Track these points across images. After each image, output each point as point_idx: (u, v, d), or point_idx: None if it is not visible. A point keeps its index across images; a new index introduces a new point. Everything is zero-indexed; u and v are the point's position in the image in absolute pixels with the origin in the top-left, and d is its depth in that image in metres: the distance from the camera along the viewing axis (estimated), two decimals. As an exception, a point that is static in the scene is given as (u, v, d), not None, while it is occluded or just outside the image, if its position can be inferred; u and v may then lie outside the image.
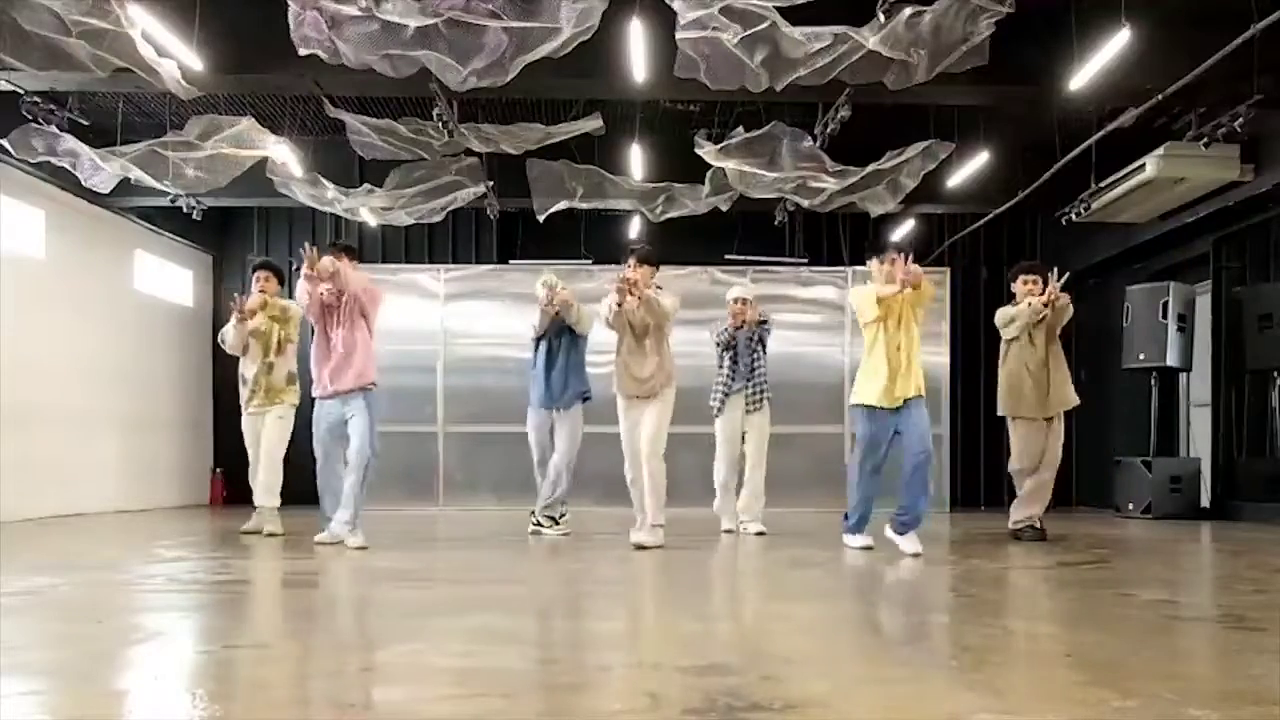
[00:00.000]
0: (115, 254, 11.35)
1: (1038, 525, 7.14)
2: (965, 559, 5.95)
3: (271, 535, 7.22)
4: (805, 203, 9.86)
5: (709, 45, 6.38)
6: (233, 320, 7.35)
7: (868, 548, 6.18)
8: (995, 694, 2.51)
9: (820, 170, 8.75)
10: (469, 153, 9.24)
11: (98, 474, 10.74)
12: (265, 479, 7.38)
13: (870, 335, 6.14)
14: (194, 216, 10.99)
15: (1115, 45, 6.91)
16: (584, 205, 10.06)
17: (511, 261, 12.62)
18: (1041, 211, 11.88)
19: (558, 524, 7.69)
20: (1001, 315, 7.15)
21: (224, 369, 13.06)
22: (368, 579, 5.09)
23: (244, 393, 7.56)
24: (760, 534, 7.68)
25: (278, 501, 7.43)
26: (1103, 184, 9.70)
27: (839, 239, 12.99)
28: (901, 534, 6.04)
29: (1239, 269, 10.04)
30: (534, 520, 7.72)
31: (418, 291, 11.86)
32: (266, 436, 7.39)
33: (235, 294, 8.34)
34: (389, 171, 9.57)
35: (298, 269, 6.84)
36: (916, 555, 5.84)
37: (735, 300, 7.92)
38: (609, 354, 6.86)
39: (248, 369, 7.54)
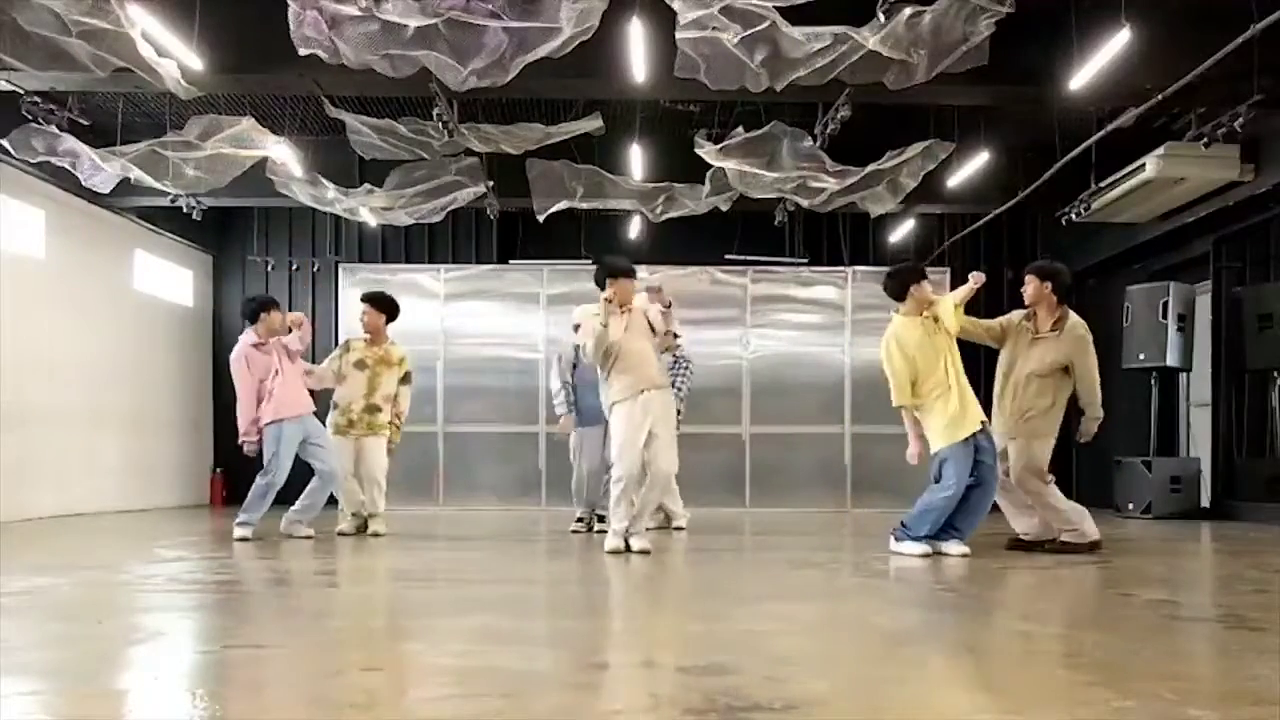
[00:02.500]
0: (115, 254, 11.34)
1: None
2: (965, 560, 5.94)
3: (376, 535, 7.58)
4: (805, 203, 9.85)
5: (709, 45, 6.38)
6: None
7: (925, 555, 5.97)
8: (995, 694, 2.52)
9: (820, 170, 8.74)
10: (469, 153, 9.24)
11: (98, 474, 10.74)
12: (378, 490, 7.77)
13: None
14: (194, 216, 10.99)
15: (1115, 45, 6.91)
16: (584, 205, 10.06)
17: (511, 261, 12.62)
18: (1041, 211, 11.86)
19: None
20: None
21: (224, 369, 13.09)
22: (368, 579, 5.09)
23: (336, 418, 7.76)
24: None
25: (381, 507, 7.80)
26: (1103, 184, 9.70)
27: (839, 239, 12.99)
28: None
29: (1239, 269, 10.04)
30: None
31: (418, 291, 11.86)
32: (373, 460, 7.70)
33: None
34: (389, 171, 9.57)
35: None
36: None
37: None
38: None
39: (345, 398, 7.76)
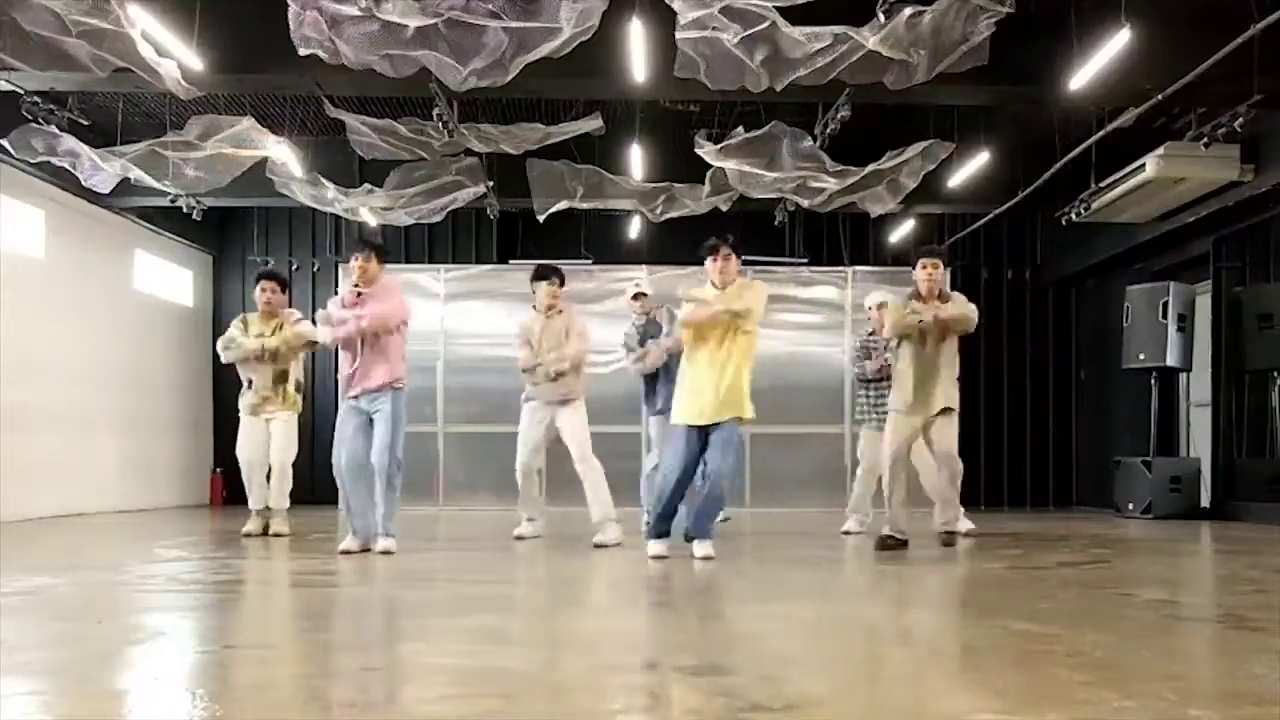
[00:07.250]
0: (115, 254, 11.34)
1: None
2: (965, 559, 5.94)
3: (278, 535, 7.27)
4: (805, 203, 9.85)
5: (709, 45, 6.37)
6: (248, 348, 7.30)
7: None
8: (995, 694, 2.51)
9: (820, 170, 8.74)
10: (469, 153, 9.24)
11: (98, 474, 10.74)
12: (280, 483, 7.38)
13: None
14: (194, 216, 10.98)
15: (1115, 45, 6.91)
16: (584, 205, 10.06)
17: (511, 261, 12.62)
18: (1041, 211, 11.87)
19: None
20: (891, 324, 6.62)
21: (224, 369, 13.07)
22: (368, 579, 5.09)
23: (250, 398, 7.39)
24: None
25: (287, 503, 7.47)
26: (1103, 184, 9.69)
27: (839, 239, 12.98)
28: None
29: (1239, 269, 10.04)
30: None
31: (418, 291, 11.84)
32: (277, 442, 7.32)
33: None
34: (389, 171, 9.56)
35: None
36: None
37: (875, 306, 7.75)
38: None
39: (256, 375, 7.37)
